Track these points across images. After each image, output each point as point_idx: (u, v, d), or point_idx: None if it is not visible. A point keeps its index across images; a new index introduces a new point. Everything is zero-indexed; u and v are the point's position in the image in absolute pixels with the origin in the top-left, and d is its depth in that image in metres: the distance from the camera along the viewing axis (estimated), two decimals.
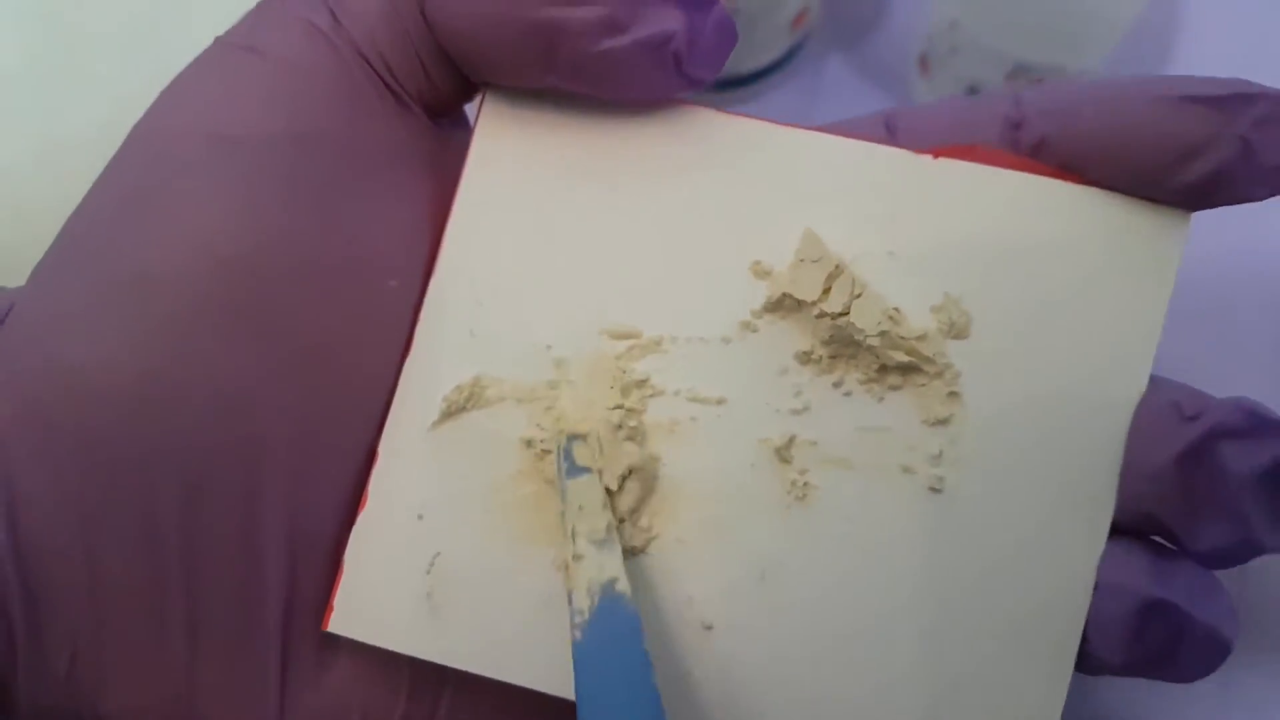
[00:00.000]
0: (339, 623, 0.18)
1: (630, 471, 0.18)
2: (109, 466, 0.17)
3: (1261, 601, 0.24)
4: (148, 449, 0.17)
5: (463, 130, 0.21)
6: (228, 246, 0.17)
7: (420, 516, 0.19)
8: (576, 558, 0.17)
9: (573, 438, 0.18)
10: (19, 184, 0.29)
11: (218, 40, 0.19)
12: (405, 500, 0.19)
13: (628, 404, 0.18)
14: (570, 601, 0.17)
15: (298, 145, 0.18)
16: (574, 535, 0.17)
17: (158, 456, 0.17)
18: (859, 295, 0.18)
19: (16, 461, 0.17)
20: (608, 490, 0.18)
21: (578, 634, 0.16)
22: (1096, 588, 0.17)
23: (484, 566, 0.18)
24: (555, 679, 0.18)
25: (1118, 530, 0.17)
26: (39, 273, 0.18)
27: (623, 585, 0.17)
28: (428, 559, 0.18)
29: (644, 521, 0.18)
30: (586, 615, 0.16)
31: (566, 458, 0.18)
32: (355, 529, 0.19)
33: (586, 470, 0.18)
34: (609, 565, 0.17)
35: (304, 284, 0.18)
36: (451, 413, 0.19)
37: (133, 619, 0.17)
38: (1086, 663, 0.17)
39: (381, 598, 0.18)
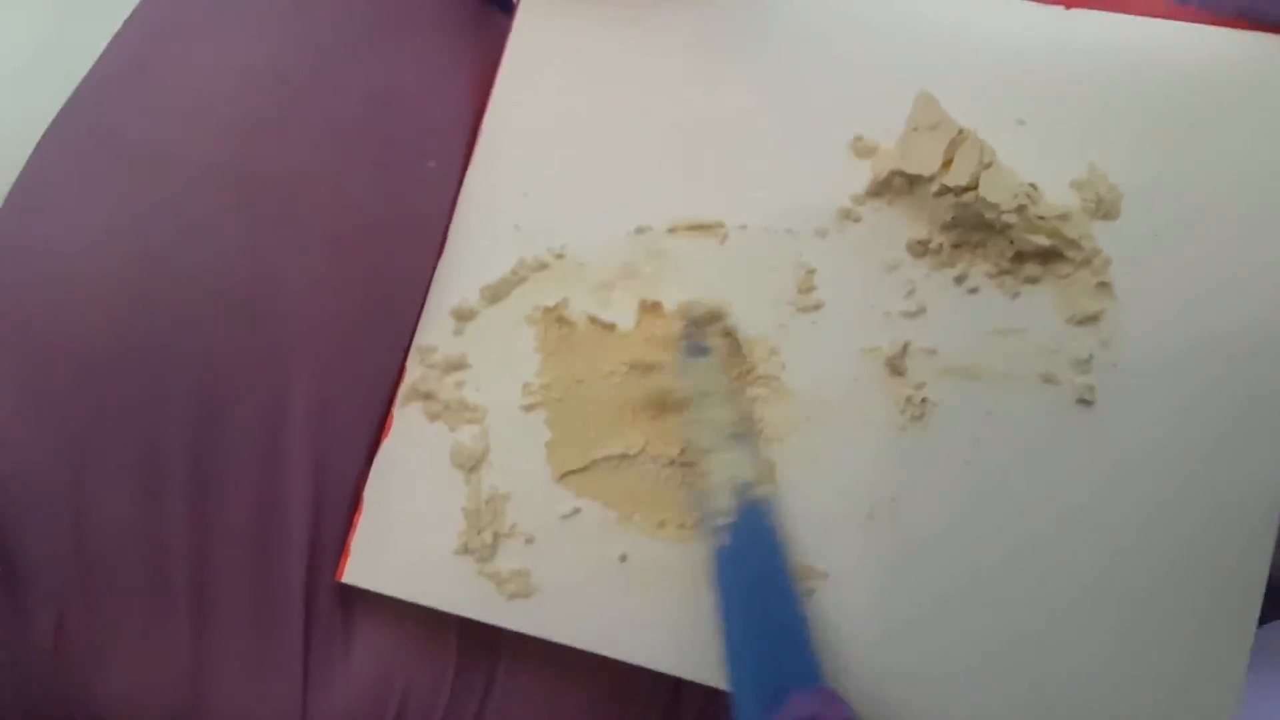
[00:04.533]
0: (356, 572, 0.15)
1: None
2: (105, 377, 0.14)
3: None
4: (153, 352, 0.14)
5: (508, 20, 0.18)
6: (246, 108, 0.14)
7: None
8: (708, 451, 0.15)
9: (696, 321, 0.15)
10: None
11: None
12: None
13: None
14: (704, 500, 0.15)
15: (329, 3, 0.15)
16: (700, 424, 0.15)
17: (166, 361, 0.14)
18: (989, 165, 0.15)
19: None
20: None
21: (725, 538, 0.14)
22: None
23: (539, 502, 0.15)
24: (622, 644, 0.15)
25: None
26: (23, 170, 0.15)
27: (764, 489, 0.15)
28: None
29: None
30: (732, 518, 0.14)
31: (687, 336, 0.15)
32: (378, 458, 0.15)
33: (706, 352, 0.15)
34: (746, 463, 0.15)
35: (333, 152, 0.15)
36: (495, 300, 0.16)
37: (131, 573, 0.14)
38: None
39: (410, 542, 0.15)
